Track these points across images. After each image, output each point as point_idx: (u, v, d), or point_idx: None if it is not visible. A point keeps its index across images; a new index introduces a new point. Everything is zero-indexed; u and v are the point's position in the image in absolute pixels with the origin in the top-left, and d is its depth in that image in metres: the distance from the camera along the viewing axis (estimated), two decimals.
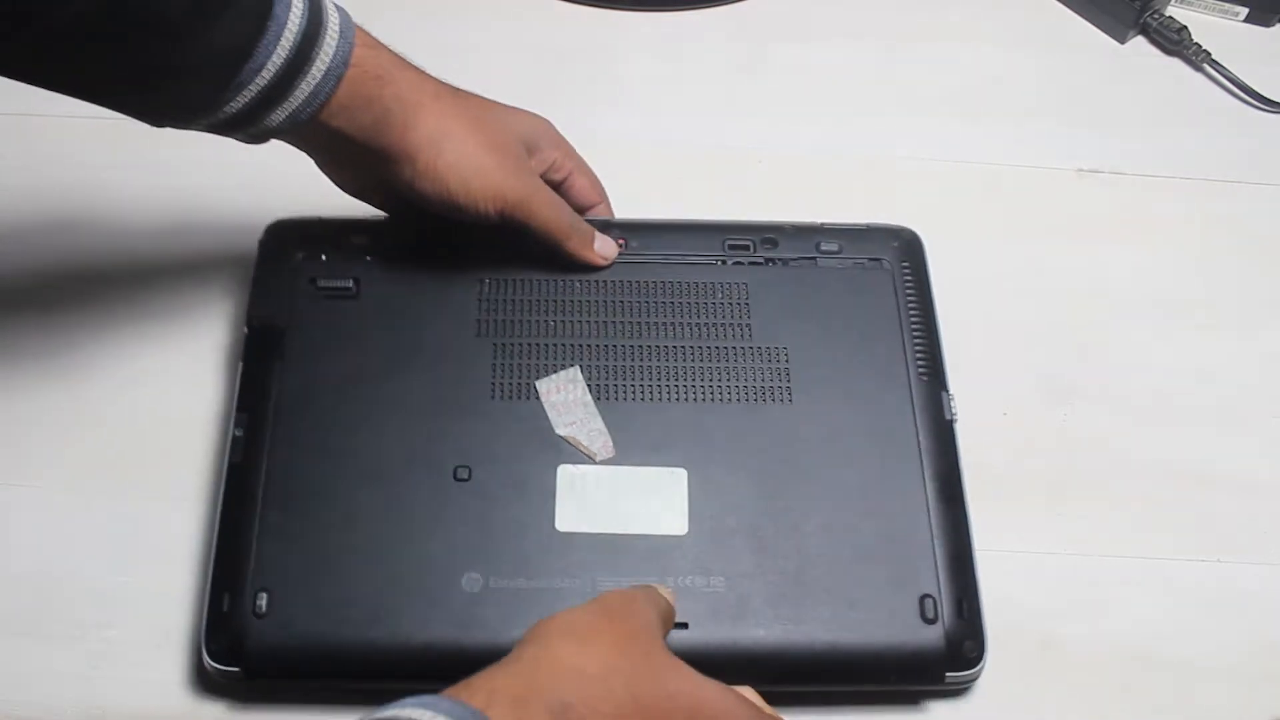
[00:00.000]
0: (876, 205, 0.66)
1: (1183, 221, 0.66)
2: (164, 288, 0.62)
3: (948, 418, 0.55)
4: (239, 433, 0.53)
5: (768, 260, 0.58)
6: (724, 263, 0.58)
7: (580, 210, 0.57)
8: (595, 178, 0.58)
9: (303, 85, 0.47)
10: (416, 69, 0.51)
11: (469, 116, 0.52)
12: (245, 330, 0.55)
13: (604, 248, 0.56)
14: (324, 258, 0.57)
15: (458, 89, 0.53)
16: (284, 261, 0.57)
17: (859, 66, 0.71)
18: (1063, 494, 0.58)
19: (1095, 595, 0.55)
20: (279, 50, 0.45)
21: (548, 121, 0.56)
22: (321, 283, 0.56)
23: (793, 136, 0.69)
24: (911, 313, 0.57)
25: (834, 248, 0.59)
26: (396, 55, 0.51)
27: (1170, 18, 0.72)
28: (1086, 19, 0.74)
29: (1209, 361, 0.62)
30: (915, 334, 0.57)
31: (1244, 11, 0.73)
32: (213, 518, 0.52)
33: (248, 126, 0.48)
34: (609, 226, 0.58)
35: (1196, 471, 0.58)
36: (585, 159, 0.58)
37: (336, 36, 0.47)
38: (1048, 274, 0.64)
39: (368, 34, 0.49)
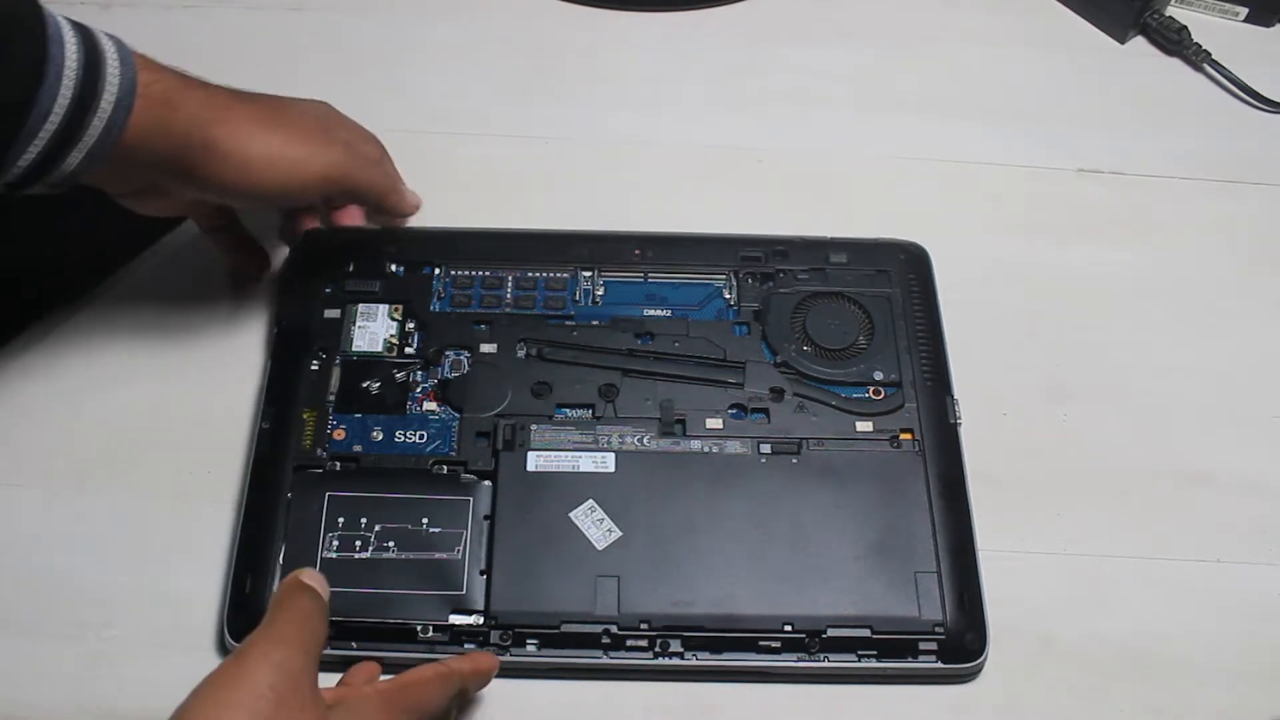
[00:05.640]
0: (876, 205, 0.66)
1: (1183, 221, 0.66)
2: (183, 292, 0.62)
3: (952, 421, 0.56)
4: (266, 425, 0.55)
5: (779, 272, 0.60)
6: (736, 275, 0.60)
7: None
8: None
9: (94, 122, 0.45)
10: (202, 84, 0.50)
11: (265, 115, 0.52)
12: (275, 330, 0.58)
13: (415, 197, 0.60)
14: (351, 265, 0.60)
15: (246, 94, 0.52)
16: (314, 268, 0.60)
17: (859, 67, 0.71)
18: (1063, 494, 0.58)
19: (1095, 595, 0.55)
20: (63, 92, 0.44)
21: (329, 104, 0.58)
22: (348, 287, 0.59)
23: (792, 137, 0.69)
24: (918, 322, 0.59)
25: (842, 259, 0.61)
26: (180, 74, 0.49)
27: (1170, 18, 0.72)
28: (1086, 19, 0.74)
29: (1209, 361, 0.62)
30: (921, 341, 0.59)
31: (1244, 11, 0.73)
32: (236, 510, 0.54)
33: (45, 176, 0.46)
34: (626, 240, 0.61)
35: (1196, 471, 0.58)
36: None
37: (118, 65, 0.46)
38: (1048, 274, 0.64)
39: (147, 58, 0.48)
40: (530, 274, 0.60)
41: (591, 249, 0.61)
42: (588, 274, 0.61)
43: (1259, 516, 0.57)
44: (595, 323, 0.59)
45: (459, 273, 0.60)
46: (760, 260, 0.61)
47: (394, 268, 0.60)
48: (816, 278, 0.61)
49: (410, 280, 0.60)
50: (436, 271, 0.60)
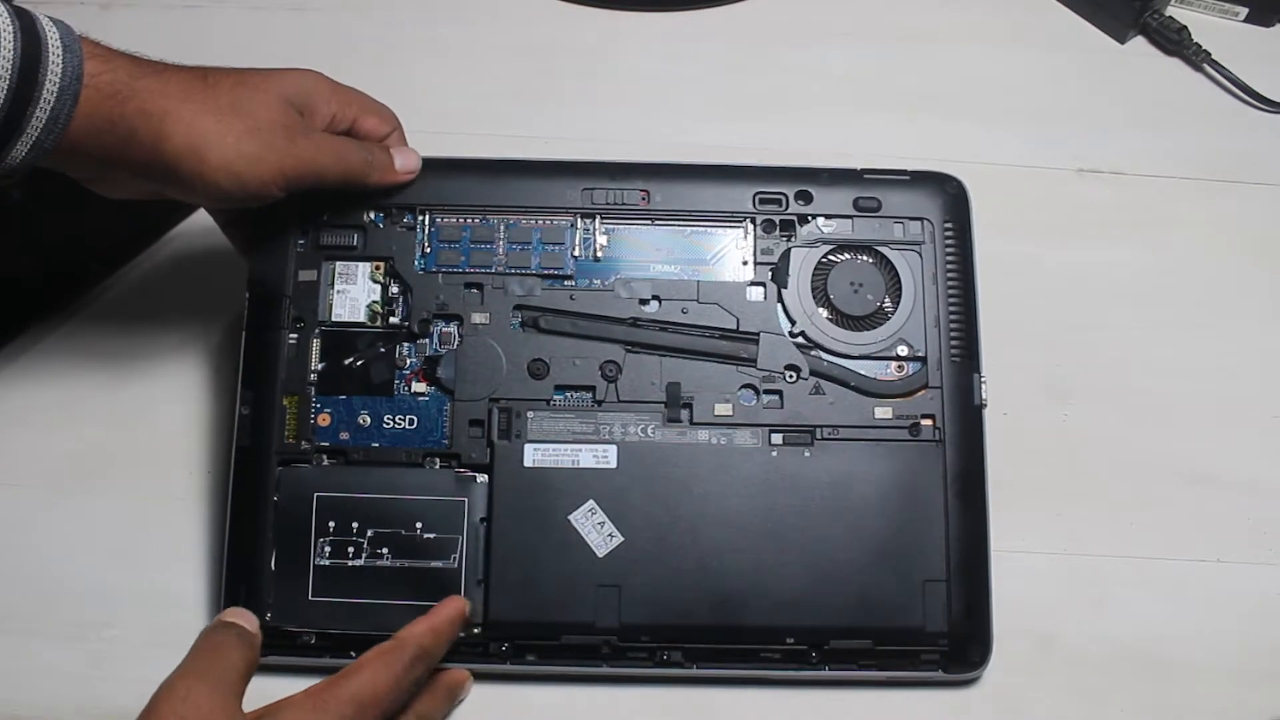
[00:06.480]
0: None
1: (1183, 221, 0.66)
2: (182, 290, 0.62)
3: (977, 404, 0.54)
4: (245, 411, 0.52)
5: (800, 219, 0.55)
6: (754, 221, 0.55)
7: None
8: (381, 108, 0.55)
9: (37, 113, 0.43)
10: (156, 70, 0.47)
11: (223, 106, 0.48)
12: (246, 297, 0.54)
13: (405, 163, 0.54)
14: (325, 214, 0.55)
15: (208, 73, 0.49)
16: (283, 221, 0.54)
17: (859, 67, 0.71)
18: (1063, 494, 0.58)
19: (1095, 595, 0.55)
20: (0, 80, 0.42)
21: (316, 74, 0.52)
22: (323, 241, 0.54)
23: (792, 137, 0.68)
24: (951, 282, 0.55)
25: (873, 205, 0.55)
26: (132, 60, 0.47)
27: (1170, 18, 0.72)
28: (1086, 19, 0.74)
29: (1209, 361, 0.62)
30: (952, 306, 0.55)
31: (1244, 11, 0.73)
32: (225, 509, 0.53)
33: None
34: (631, 170, 0.55)
35: (1196, 471, 0.59)
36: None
37: (60, 52, 0.44)
38: (1048, 274, 0.64)
39: (96, 44, 0.46)
40: (524, 223, 0.55)
41: (593, 191, 0.55)
42: (588, 222, 0.55)
43: (1259, 516, 0.57)
44: (597, 283, 0.54)
45: (445, 220, 0.55)
46: (780, 204, 0.55)
47: (372, 215, 0.55)
48: (842, 226, 0.55)
49: (391, 231, 0.54)
50: (421, 220, 0.55)
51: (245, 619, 0.45)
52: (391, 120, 0.55)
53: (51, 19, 0.45)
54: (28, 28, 0.43)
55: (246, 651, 0.44)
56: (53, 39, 0.44)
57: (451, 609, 0.49)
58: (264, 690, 0.51)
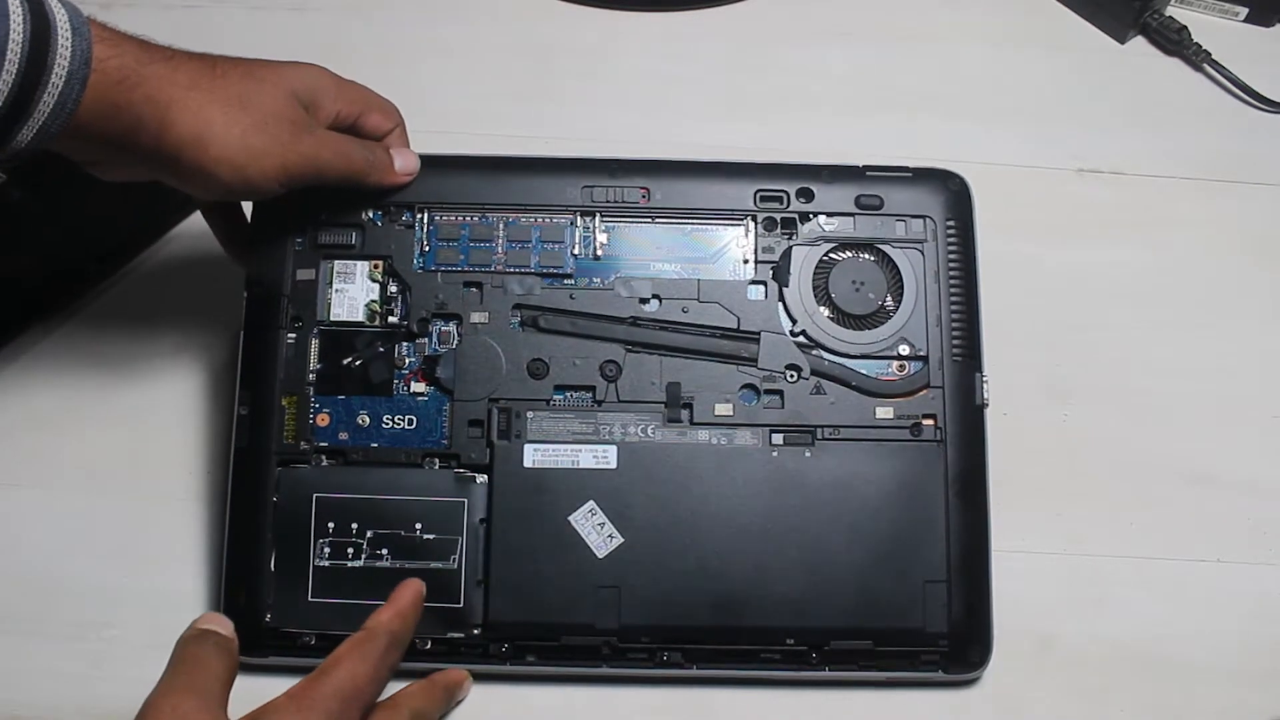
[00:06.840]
0: None
1: (1183, 221, 0.66)
2: (182, 289, 0.62)
3: (978, 403, 0.54)
4: (244, 411, 0.52)
5: (801, 217, 0.55)
6: (755, 219, 0.55)
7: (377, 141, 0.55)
8: (385, 104, 0.55)
9: (45, 97, 0.43)
10: (164, 57, 0.47)
11: (231, 98, 0.47)
12: (244, 296, 0.54)
13: (405, 164, 0.54)
14: (323, 214, 0.54)
15: (216, 62, 0.48)
16: (282, 220, 0.54)
17: (859, 67, 0.71)
18: (1063, 494, 0.58)
19: (1095, 595, 0.55)
20: (8, 63, 0.42)
21: (322, 69, 0.52)
22: (321, 240, 0.54)
23: (792, 137, 0.68)
24: (953, 279, 0.55)
25: (875, 202, 0.55)
26: (141, 45, 0.46)
27: (1170, 18, 0.72)
28: (1086, 19, 0.74)
29: (1209, 361, 0.62)
30: (954, 305, 0.55)
31: (1244, 11, 0.73)
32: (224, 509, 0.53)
33: None
34: (625, 167, 0.55)
35: (1196, 471, 0.59)
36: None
37: (70, 35, 0.43)
38: (1048, 274, 0.64)
39: (105, 27, 0.45)
40: (523, 221, 0.54)
41: (593, 189, 0.55)
42: (588, 220, 0.55)
43: (1259, 516, 0.57)
44: (597, 281, 0.54)
45: (444, 219, 0.54)
46: (781, 202, 0.55)
47: (370, 214, 0.54)
48: (844, 224, 0.55)
49: (390, 230, 0.54)
50: (419, 218, 0.54)
51: (221, 625, 0.45)
52: (395, 116, 0.55)
53: (61, 1, 0.44)
54: (36, 9, 0.43)
55: (227, 659, 0.44)
56: (61, 21, 0.43)
57: (411, 592, 0.48)
58: (265, 691, 0.51)
